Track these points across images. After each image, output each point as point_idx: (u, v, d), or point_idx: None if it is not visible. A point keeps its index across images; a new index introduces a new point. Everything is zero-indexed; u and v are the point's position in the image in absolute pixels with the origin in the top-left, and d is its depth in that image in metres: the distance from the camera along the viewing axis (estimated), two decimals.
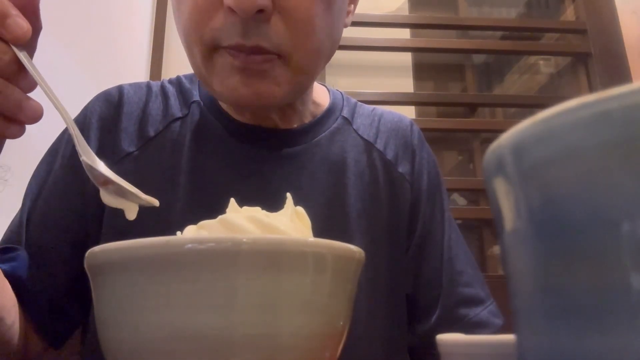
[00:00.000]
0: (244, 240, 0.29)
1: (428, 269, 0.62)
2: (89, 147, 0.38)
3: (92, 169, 0.37)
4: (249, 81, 0.49)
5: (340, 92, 0.69)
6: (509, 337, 0.24)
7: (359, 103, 0.69)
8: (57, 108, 0.37)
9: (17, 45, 0.35)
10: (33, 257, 0.52)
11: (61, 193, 0.55)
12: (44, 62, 0.89)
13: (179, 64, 1.52)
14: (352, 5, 0.61)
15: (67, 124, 0.37)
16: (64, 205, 0.55)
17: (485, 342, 0.28)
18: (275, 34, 0.47)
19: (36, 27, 0.37)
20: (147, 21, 1.52)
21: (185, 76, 0.65)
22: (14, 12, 0.35)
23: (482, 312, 0.61)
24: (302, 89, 0.57)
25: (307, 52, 0.50)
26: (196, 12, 0.48)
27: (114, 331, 0.31)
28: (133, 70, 1.43)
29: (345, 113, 0.65)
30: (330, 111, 0.64)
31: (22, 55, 0.35)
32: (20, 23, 0.35)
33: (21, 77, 0.36)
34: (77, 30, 1.08)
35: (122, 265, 0.30)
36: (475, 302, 0.61)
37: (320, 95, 0.66)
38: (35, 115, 0.36)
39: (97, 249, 0.31)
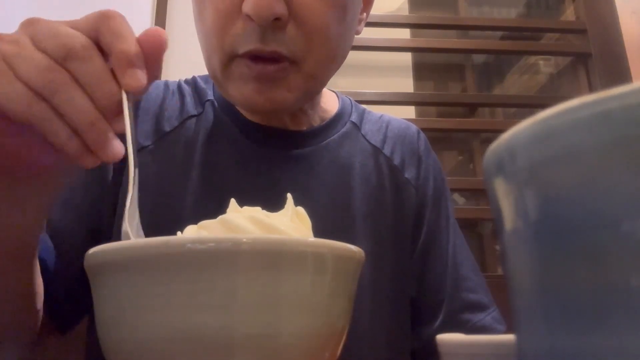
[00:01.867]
0: (244, 240, 0.29)
1: (432, 274, 0.63)
2: (135, 218, 0.38)
3: (127, 236, 0.36)
4: (263, 88, 0.51)
5: (349, 99, 0.71)
6: (509, 337, 0.24)
7: (367, 110, 0.71)
8: (130, 164, 0.36)
9: (127, 93, 0.34)
10: (52, 239, 0.54)
11: (82, 181, 0.57)
12: None
13: (178, 64, 1.52)
14: (365, 13, 0.63)
15: (131, 184, 0.37)
16: (84, 192, 0.57)
17: (485, 342, 0.28)
18: (291, 41, 0.49)
19: (153, 77, 0.36)
20: (147, 23, 1.52)
21: (201, 77, 0.67)
22: (138, 62, 0.34)
23: (485, 318, 0.61)
24: (313, 94, 0.59)
25: (320, 59, 0.52)
26: (217, 19, 0.50)
27: (114, 331, 0.31)
28: None
29: (353, 118, 0.67)
30: (339, 116, 0.66)
31: (126, 102, 0.34)
32: (139, 76, 0.34)
33: (116, 120, 0.34)
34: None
35: (122, 265, 0.30)
36: (479, 307, 0.62)
37: (330, 101, 0.68)
38: (115, 156, 0.34)
39: (97, 249, 0.31)
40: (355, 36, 0.61)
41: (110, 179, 0.57)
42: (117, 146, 0.34)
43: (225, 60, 0.51)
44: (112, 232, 0.56)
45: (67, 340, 0.58)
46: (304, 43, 0.50)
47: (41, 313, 0.49)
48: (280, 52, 0.49)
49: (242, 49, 0.50)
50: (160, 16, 1.55)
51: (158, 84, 0.65)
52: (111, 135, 0.34)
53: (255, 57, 0.50)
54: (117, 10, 0.35)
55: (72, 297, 0.54)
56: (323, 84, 0.58)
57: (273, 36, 0.49)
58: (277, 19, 0.48)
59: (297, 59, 0.51)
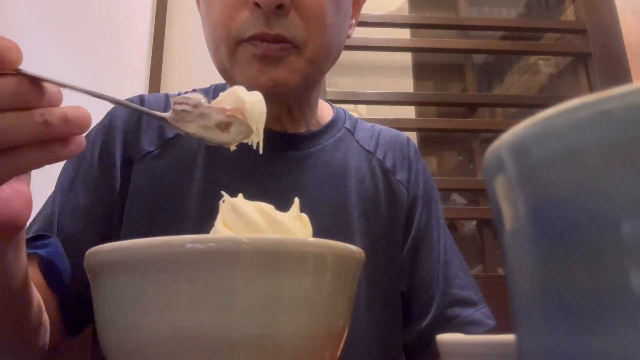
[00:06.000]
0: (244, 240, 0.29)
1: (424, 270, 0.66)
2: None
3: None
4: (266, 69, 0.56)
5: (343, 109, 0.75)
6: (509, 337, 0.24)
7: (360, 120, 0.75)
8: (98, 96, 0.35)
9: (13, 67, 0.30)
10: (64, 245, 0.56)
11: (92, 187, 0.60)
12: (45, 66, 0.89)
13: (178, 63, 1.53)
14: (354, 20, 0.68)
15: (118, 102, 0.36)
16: (94, 198, 0.60)
17: (485, 342, 0.28)
18: (294, 26, 0.55)
19: None
20: (147, 23, 1.52)
21: (201, 89, 0.72)
22: None
23: (475, 313, 0.64)
24: (312, 82, 0.62)
25: (318, 44, 0.57)
26: (225, 9, 0.56)
27: (114, 331, 0.31)
28: (133, 70, 1.43)
29: (347, 125, 0.71)
30: (334, 122, 0.70)
31: (23, 71, 0.30)
32: (3, 44, 0.30)
33: (42, 95, 0.32)
34: (77, 32, 1.08)
35: (122, 265, 0.30)
36: (469, 303, 0.64)
37: (325, 109, 0.73)
38: (86, 121, 0.33)
39: (97, 248, 0.31)
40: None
41: (118, 187, 0.60)
42: (79, 112, 0.33)
43: (232, 45, 0.56)
44: (119, 237, 0.58)
45: (72, 343, 0.58)
46: (305, 29, 0.56)
47: (46, 325, 0.50)
48: (283, 35, 0.55)
49: (249, 33, 0.55)
50: (160, 17, 1.55)
51: (159, 95, 0.69)
52: (61, 110, 0.32)
53: (261, 39, 0.55)
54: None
55: (83, 300, 0.54)
56: (321, 72, 0.62)
57: (277, 21, 0.55)
58: (280, 6, 0.54)
59: (298, 43, 0.56)
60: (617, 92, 0.13)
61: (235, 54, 0.57)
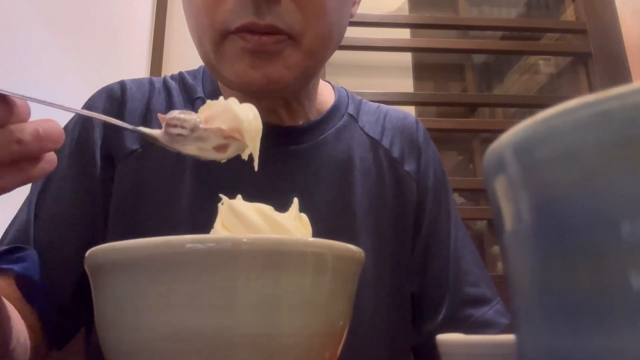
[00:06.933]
0: (244, 240, 0.29)
1: (434, 268, 0.62)
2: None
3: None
4: (259, 64, 0.49)
5: (345, 90, 0.69)
6: (509, 337, 0.24)
7: (364, 100, 0.69)
8: (68, 109, 0.33)
9: None
10: (41, 255, 0.51)
11: (69, 190, 0.55)
12: (45, 62, 0.89)
13: (178, 61, 1.52)
14: None
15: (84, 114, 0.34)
16: (72, 202, 0.54)
17: (485, 342, 0.28)
18: (288, 14, 0.48)
19: None
20: (147, 19, 1.52)
21: (188, 72, 0.64)
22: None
23: (488, 312, 0.61)
24: (310, 75, 0.56)
25: (317, 33, 0.50)
26: None
27: (114, 331, 0.31)
28: (133, 68, 1.43)
29: (350, 110, 0.65)
30: (335, 108, 0.64)
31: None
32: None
33: (11, 111, 0.29)
34: (77, 29, 1.08)
35: (122, 265, 0.30)
36: (482, 302, 0.61)
37: (325, 92, 0.66)
38: (59, 135, 0.30)
39: (97, 249, 0.31)
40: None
41: (100, 189, 0.55)
42: (52, 126, 0.30)
43: (218, 38, 0.49)
44: (105, 241, 0.54)
45: (64, 349, 0.56)
46: (301, 16, 0.48)
47: (27, 343, 0.46)
48: (276, 25, 0.48)
49: (236, 23, 0.48)
50: (160, 16, 1.55)
51: (142, 82, 0.62)
52: (33, 126, 0.30)
53: (251, 31, 0.48)
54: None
55: (65, 311, 0.52)
56: (320, 63, 0.56)
57: (268, 9, 0.47)
58: None
59: (294, 33, 0.49)
60: (617, 92, 0.13)
61: (221, 48, 0.50)
